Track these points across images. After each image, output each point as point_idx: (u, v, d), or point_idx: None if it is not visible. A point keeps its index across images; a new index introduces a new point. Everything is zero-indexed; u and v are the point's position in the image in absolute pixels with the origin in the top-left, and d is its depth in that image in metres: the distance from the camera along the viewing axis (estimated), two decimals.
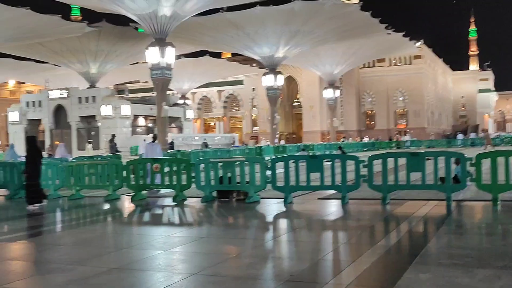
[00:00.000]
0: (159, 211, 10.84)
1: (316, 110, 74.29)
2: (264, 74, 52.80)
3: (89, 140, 35.11)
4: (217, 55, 66.67)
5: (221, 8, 43.27)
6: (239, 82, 77.46)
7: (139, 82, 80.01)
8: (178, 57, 53.31)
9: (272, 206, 10.40)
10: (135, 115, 45.74)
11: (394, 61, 78.67)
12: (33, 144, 12.34)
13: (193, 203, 11.30)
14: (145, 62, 61.43)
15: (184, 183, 11.55)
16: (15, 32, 41.92)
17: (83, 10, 47.15)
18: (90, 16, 47.51)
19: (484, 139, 42.88)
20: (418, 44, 68.95)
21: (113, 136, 26.65)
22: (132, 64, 60.42)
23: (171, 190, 12.06)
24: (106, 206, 11.70)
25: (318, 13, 44.32)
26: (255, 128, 77.11)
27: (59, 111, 45.40)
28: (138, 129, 47.33)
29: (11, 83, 78.99)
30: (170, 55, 37.03)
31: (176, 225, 9.15)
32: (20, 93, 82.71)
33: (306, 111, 74.67)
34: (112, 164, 12.66)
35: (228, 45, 51.87)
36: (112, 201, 12.30)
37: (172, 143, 35.71)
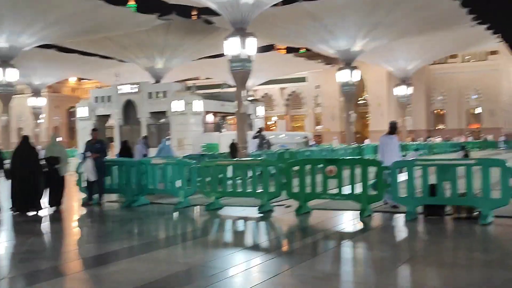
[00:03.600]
0: (351, 234, 7.97)
1: (383, 108, 70.59)
2: (340, 69, 49.66)
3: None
4: (269, 48, 63.22)
5: None
6: (302, 79, 74.43)
7: (198, 79, 78.17)
8: None
9: None
10: (206, 111, 43.47)
11: (467, 57, 74.07)
12: None
13: (391, 221, 8.42)
14: (209, 57, 60.11)
15: (372, 192, 8.68)
16: (87, 25, 40.38)
17: (149, 2, 45.28)
18: (159, 8, 45.45)
19: None
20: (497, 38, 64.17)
21: (261, 129, 23.54)
22: (194, 60, 58.51)
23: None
24: (267, 222, 8.96)
25: (404, 2, 40.91)
26: (318, 127, 73.90)
27: (129, 107, 43.54)
28: (208, 126, 45.07)
29: (72, 80, 78.49)
30: (251, 46, 34.36)
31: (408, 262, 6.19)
32: (80, 90, 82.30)
33: (373, 109, 71.03)
34: (266, 166, 9.88)
35: (302, 38, 48.99)
36: (267, 213, 9.57)
37: (233, 143, 32.90)
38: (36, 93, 56.02)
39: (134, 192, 11.30)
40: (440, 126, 75.43)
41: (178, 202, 10.69)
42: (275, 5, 39.01)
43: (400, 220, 8.40)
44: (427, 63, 65.23)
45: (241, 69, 34.61)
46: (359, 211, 8.70)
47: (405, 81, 61.08)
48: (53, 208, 11.08)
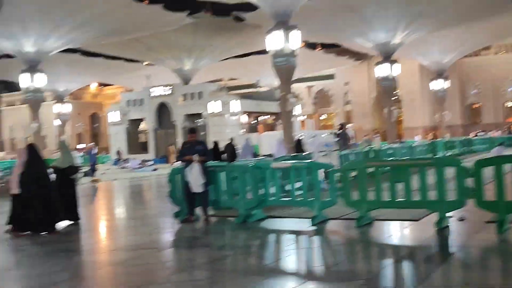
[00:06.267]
0: None
1: (417, 104, 67.97)
2: (377, 63, 47.30)
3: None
4: None
5: None
6: (330, 77, 72.03)
7: (222, 80, 76.03)
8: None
9: None
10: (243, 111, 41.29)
11: (500, 49, 71.43)
12: None
13: None
14: (237, 57, 57.88)
15: None
16: (115, 26, 38.42)
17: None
18: (188, 5, 43.23)
19: None
20: None
21: (343, 125, 21.12)
22: (222, 60, 56.31)
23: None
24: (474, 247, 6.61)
25: None
26: (348, 125, 71.33)
27: (162, 110, 41.42)
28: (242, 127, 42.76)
29: (93, 86, 76.77)
30: (295, 39, 32.11)
31: None
32: (102, 96, 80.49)
33: (406, 106, 68.42)
34: (441, 166, 7.50)
35: (338, 32, 46.61)
36: (444, 230, 7.24)
37: (299, 141, 30.64)
38: (60, 99, 54.11)
39: (250, 204, 9.02)
40: (476, 121, 72.79)
41: (313, 217, 8.40)
42: None
43: None
44: (463, 55, 62.51)
45: (285, 64, 32.44)
46: None
47: (441, 74, 58.58)
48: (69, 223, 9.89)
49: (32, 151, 9.44)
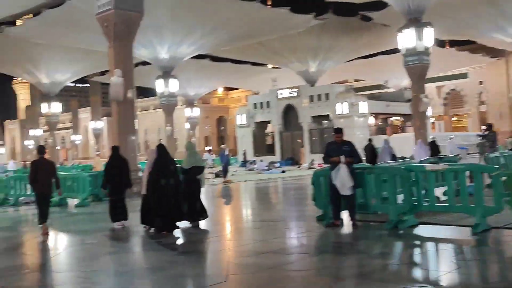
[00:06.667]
0: None
1: None
2: None
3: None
4: None
5: None
6: (462, 76, 67.85)
7: (347, 82, 74.78)
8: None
9: None
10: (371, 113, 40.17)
11: None
12: (117, 154, 10.95)
13: None
14: (362, 58, 56.56)
15: None
16: (243, 31, 39.14)
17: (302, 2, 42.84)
18: (313, 7, 42.89)
19: None
20: None
21: (490, 126, 19.89)
22: (347, 61, 55.25)
23: None
24: None
25: None
26: (483, 127, 66.65)
27: (289, 112, 41.59)
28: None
29: (220, 90, 79.45)
30: (428, 37, 30.49)
31: None
32: (227, 99, 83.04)
33: None
34: None
35: (472, 28, 43.65)
36: None
37: (433, 142, 29.02)
38: (190, 104, 56.46)
39: (402, 209, 8.43)
40: None
41: (474, 224, 7.62)
42: None
43: None
44: None
45: (417, 63, 30.95)
46: None
47: None
48: (195, 223, 10.19)
49: (161, 150, 9.73)
